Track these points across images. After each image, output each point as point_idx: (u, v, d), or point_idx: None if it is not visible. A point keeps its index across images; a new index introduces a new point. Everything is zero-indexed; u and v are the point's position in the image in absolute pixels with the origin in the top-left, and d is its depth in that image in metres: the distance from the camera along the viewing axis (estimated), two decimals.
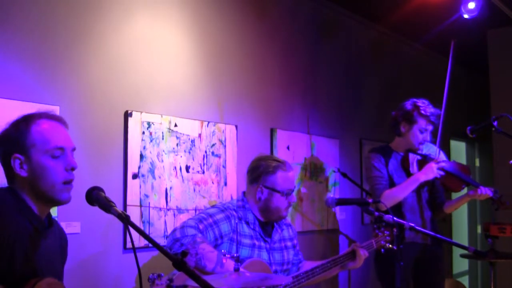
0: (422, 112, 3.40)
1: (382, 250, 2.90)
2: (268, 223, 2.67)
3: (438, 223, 3.65)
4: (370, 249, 2.82)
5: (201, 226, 2.42)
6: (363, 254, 2.73)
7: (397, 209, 3.42)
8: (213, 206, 2.64)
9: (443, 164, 3.38)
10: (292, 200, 2.63)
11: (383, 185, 3.43)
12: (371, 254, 3.50)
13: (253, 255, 2.54)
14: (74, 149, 1.79)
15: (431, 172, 3.34)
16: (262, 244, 2.60)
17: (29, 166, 1.70)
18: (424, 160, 3.44)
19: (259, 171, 2.60)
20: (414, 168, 3.46)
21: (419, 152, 3.48)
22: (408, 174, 3.46)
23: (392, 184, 3.45)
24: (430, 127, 3.44)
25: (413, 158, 3.48)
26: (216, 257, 2.27)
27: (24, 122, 1.73)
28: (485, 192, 3.33)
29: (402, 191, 3.37)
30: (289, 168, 2.64)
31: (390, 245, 2.86)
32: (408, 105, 3.48)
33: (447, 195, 3.75)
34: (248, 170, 2.69)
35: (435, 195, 3.59)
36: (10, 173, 1.73)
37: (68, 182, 1.74)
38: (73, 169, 1.75)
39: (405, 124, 3.48)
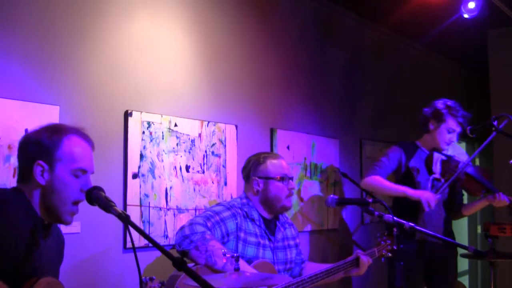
0: (453, 112, 3.43)
1: (383, 259, 2.91)
2: (271, 221, 2.68)
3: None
4: (373, 257, 2.83)
5: (209, 224, 2.43)
6: (366, 261, 2.73)
7: (412, 205, 3.44)
8: (218, 204, 2.65)
9: (437, 200, 3.37)
10: (292, 187, 2.66)
11: (381, 171, 3.52)
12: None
13: (258, 254, 2.55)
14: (93, 173, 1.83)
15: (425, 198, 3.32)
16: (267, 242, 2.61)
17: (50, 177, 1.72)
18: (448, 161, 3.46)
19: (250, 165, 2.70)
20: (437, 166, 3.48)
21: (444, 152, 3.50)
22: (430, 172, 3.48)
23: (411, 178, 3.49)
24: (458, 129, 3.47)
25: (437, 157, 3.50)
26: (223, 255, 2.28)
27: (58, 133, 1.76)
28: (503, 198, 3.36)
29: (385, 190, 3.47)
30: (280, 157, 2.74)
31: (390, 254, 2.89)
32: (440, 103, 3.53)
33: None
34: (242, 171, 2.78)
35: (454, 197, 3.61)
36: (27, 176, 1.74)
37: (77, 203, 1.76)
38: None
39: (434, 122, 3.51)
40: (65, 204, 1.74)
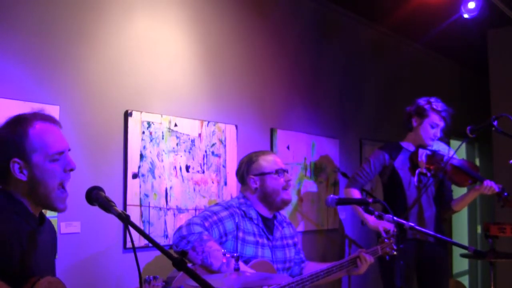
0: (434, 107, 3.49)
1: (387, 257, 2.90)
2: (269, 220, 2.68)
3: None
4: (375, 255, 2.82)
5: (206, 224, 2.43)
6: (369, 259, 2.73)
7: (401, 204, 3.45)
8: (216, 204, 2.65)
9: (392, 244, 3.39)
10: (288, 178, 2.69)
11: (362, 181, 3.60)
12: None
13: (257, 253, 2.55)
14: (69, 149, 1.79)
15: (382, 226, 3.36)
16: (265, 241, 2.61)
17: (29, 171, 1.68)
18: (433, 155, 3.47)
19: (243, 167, 2.73)
20: (422, 158, 3.49)
21: (429, 148, 3.53)
22: (415, 167, 3.48)
23: (397, 178, 3.51)
24: (441, 123, 3.50)
25: (422, 152, 3.52)
26: (222, 255, 2.27)
27: (20, 125, 1.69)
28: (491, 184, 3.35)
29: (356, 208, 3.55)
30: (271, 153, 2.78)
31: (395, 253, 2.87)
32: (422, 100, 3.57)
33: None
34: (236, 174, 2.78)
35: (443, 193, 3.61)
36: (6, 177, 1.70)
37: (63, 184, 1.74)
38: (72, 170, 1.76)
39: (417, 118, 3.55)
40: (53, 190, 1.70)
